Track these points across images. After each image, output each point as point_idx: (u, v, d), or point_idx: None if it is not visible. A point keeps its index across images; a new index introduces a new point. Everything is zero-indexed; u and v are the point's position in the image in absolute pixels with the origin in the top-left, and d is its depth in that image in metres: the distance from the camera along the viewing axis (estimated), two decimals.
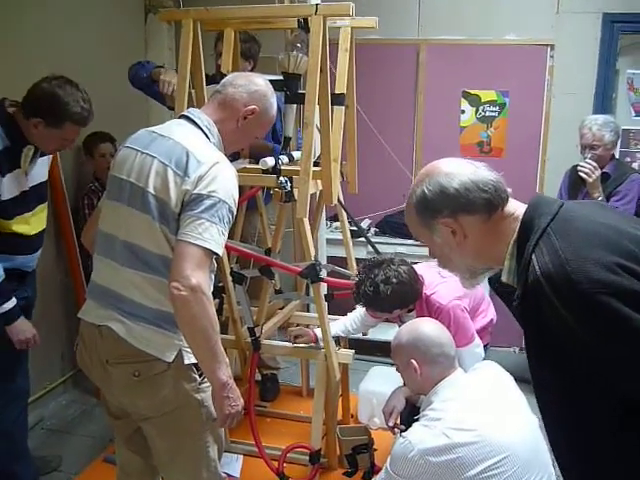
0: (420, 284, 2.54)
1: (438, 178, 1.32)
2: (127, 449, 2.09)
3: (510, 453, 1.77)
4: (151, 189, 1.77)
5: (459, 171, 1.32)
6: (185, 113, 1.96)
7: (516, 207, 1.32)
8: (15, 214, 2.44)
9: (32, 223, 2.54)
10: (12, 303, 2.43)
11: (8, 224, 2.42)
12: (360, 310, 2.92)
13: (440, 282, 2.58)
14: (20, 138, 2.38)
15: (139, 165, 1.82)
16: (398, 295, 2.45)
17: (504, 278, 1.31)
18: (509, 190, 1.33)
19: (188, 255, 1.67)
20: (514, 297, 1.24)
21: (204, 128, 1.89)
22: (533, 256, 1.18)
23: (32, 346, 2.55)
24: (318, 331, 2.80)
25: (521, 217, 1.29)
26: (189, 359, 1.82)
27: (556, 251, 1.15)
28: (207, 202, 1.72)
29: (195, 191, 1.72)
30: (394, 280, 2.43)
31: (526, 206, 1.31)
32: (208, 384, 1.80)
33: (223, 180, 1.77)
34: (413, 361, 2.01)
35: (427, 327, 2.09)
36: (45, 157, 2.59)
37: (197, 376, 1.86)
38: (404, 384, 2.30)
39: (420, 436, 1.81)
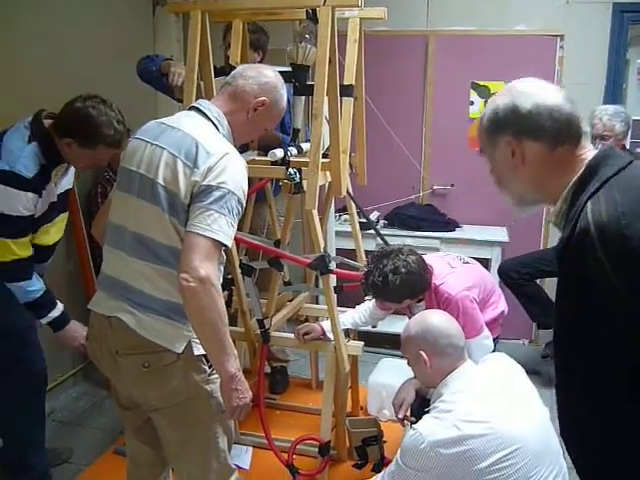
0: (429, 274, 2.52)
1: (514, 95, 1.31)
2: (137, 440, 2.10)
3: (521, 445, 1.77)
4: (161, 180, 1.77)
5: (536, 93, 1.30)
6: (195, 104, 1.95)
7: (587, 150, 1.30)
8: (39, 226, 2.42)
9: (52, 233, 2.51)
10: (58, 311, 2.46)
11: (32, 237, 2.40)
12: (369, 303, 2.91)
13: (449, 272, 2.56)
14: (55, 156, 2.34)
15: (149, 156, 1.81)
16: (407, 285, 2.44)
17: (552, 219, 1.31)
18: (586, 129, 1.30)
19: (197, 246, 1.67)
20: (559, 240, 1.23)
21: (214, 119, 1.88)
22: (589, 203, 1.17)
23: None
24: (325, 324, 2.79)
25: (587, 161, 1.26)
26: (198, 350, 1.82)
27: (614, 203, 1.13)
28: (216, 193, 1.71)
29: (204, 182, 1.72)
30: (403, 270, 2.41)
31: (596, 152, 1.28)
32: (217, 375, 1.81)
33: (232, 171, 1.76)
34: (422, 353, 2.00)
35: (435, 318, 2.08)
36: None
37: (207, 367, 1.86)
38: (414, 376, 2.29)
39: (431, 428, 1.81)
